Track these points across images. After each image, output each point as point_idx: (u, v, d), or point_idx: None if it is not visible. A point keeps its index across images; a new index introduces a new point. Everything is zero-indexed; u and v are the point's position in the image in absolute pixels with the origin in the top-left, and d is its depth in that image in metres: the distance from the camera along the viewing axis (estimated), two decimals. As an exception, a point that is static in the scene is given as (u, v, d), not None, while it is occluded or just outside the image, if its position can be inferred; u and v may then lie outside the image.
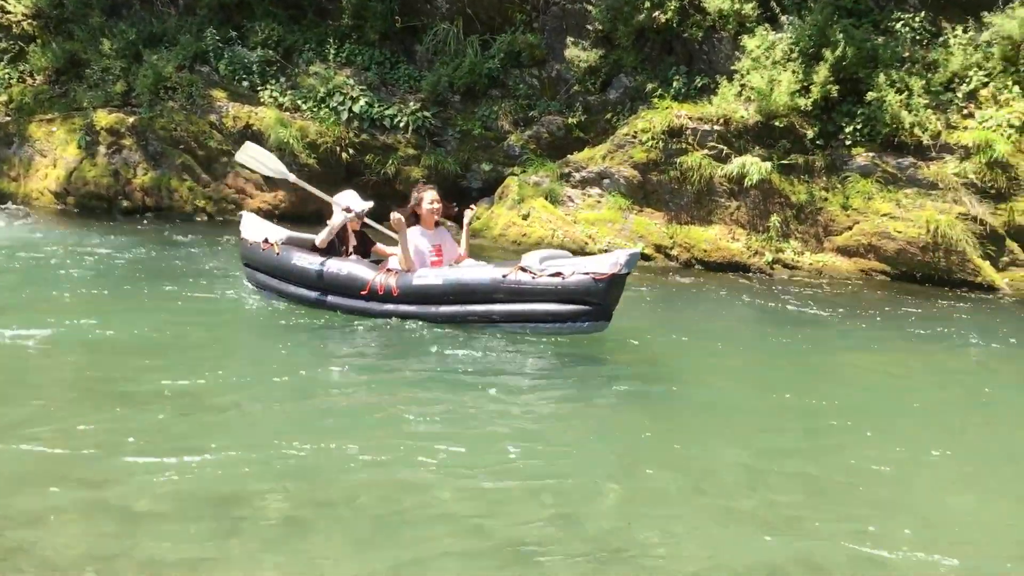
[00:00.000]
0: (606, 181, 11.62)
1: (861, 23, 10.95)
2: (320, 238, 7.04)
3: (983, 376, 6.62)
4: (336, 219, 6.99)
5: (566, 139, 12.42)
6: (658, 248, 11.20)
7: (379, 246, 7.34)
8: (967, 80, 10.56)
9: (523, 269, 6.09)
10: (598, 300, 5.97)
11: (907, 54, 10.75)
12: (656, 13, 11.40)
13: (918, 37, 10.89)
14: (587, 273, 5.91)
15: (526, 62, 12.82)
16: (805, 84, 10.63)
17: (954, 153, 10.35)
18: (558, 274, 5.99)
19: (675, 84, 11.55)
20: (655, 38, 11.82)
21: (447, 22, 13.13)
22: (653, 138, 11.24)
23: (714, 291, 9.58)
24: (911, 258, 10.23)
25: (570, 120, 12.39)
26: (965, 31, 10.73)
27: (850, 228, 10.59)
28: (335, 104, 12.94)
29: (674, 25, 11.45)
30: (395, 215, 6.50)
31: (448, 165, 12.84)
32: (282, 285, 7.00)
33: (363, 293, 6.47)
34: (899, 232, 10.25)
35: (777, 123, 10.74)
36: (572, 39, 12.30)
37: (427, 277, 6.35)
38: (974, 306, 9.16)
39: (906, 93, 10.44)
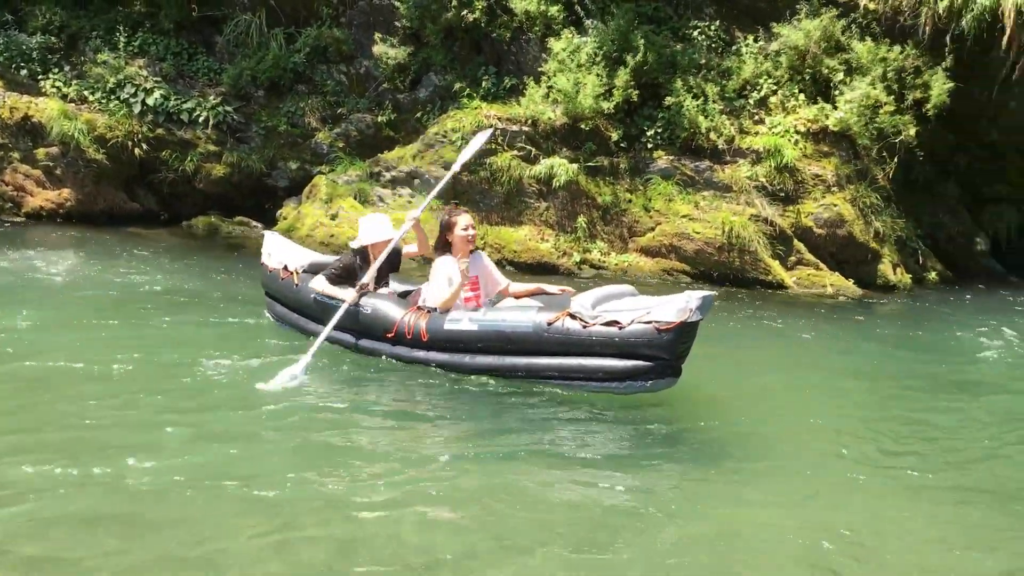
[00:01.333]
0: (417, 181, 11.86)
1: (661, 30, 11.74)
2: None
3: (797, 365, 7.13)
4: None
5: (376, 137, 12.59)
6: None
7: (405, 249, 6.50)
8: (758, 87, 11.53)
9: (572, 315, 5.14)
10: (663, 354, 4.95)
11: (703, 61, 11.62)
12: (464, 12, 11.78)
13: (713, 45, 11.81)
14: (649, 322, 4.91)
15: (333, 57, 12.91)
16: (609, 87, 11.27)
17: (746, 157, 11.26)
18: (614, 323, 5.01)
19: (484, 84, 11.96)
20: (464, 37, 12.21)
21: (248, 13, 13.03)
22: (463, 138, 11.57)
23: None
24: (709, 258, 11.02)
25: (380, 118, 12.58)
26: (756, 40, 11.72)
27: (652, 229, 11.29)
28: (126, 96, 12.54)
29: (482, 25, 11.87)
30: (413, 212, 6.08)
31: (252, 163, 12.73)
32: (301, 321, 6.33)
33: (389, 336, 5.73)
34: (697, 233, 11.03)
35: (583, 125, 11.32)
36: (380, 35, 12.51)
37: (460, 321, 5.48)
38: (765, 303, 9.97)
39: (702, 99, 11.28)
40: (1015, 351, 7.74)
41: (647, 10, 11.81)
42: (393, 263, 6.26)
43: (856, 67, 11.26)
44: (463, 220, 5.77)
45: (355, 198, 11.89)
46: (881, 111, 11.02)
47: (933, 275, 11.74)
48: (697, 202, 11.21)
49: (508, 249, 11.40)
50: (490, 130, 6.66)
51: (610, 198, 11.39)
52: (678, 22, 11.93)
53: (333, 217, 11.79)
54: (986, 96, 11.99)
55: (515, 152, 11.50)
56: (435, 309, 5.67)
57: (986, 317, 9.53)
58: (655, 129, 11.38)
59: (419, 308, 5.76)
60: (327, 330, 5.70)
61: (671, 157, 11.36)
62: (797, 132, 11.24)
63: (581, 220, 11.34)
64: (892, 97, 11.07)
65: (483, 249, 11.29)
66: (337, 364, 5.80)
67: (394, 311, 5.76)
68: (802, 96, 11.41)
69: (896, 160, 11.31)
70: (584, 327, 5.10)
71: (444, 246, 5.78)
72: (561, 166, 11.18)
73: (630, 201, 11.42)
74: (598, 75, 11.24)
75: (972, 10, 10.96)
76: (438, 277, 5.67)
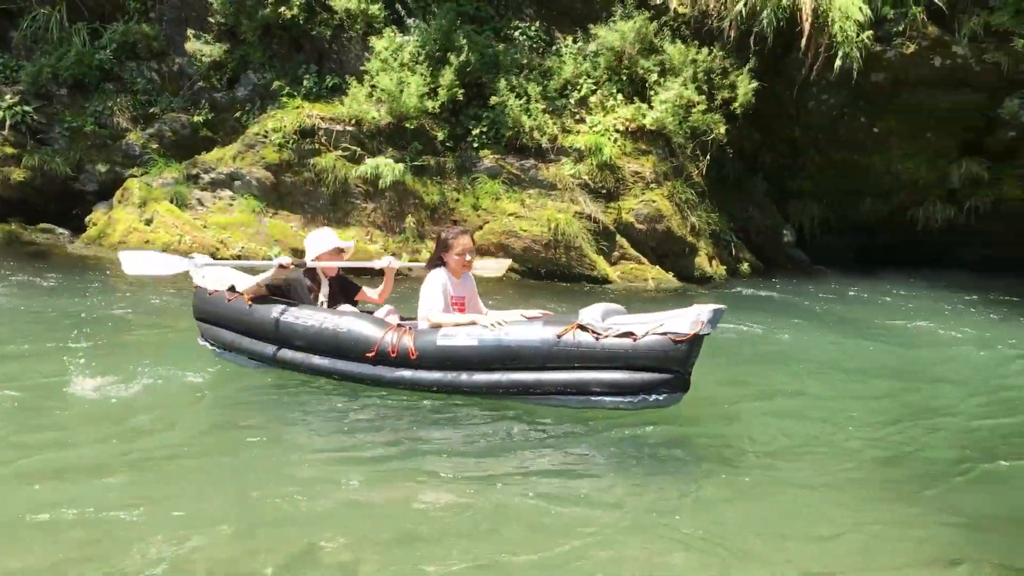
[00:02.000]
0: (237, 183, 11.62)
1: (483, 30, 12.01)
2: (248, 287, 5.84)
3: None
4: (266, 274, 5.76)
5: (192, 138, 12.24)
6: (296, 252, 11.39)
7: (366, 291, 6.21)
8: (578, 87, 11.99)
9: (583, 327, 4.95)
10: (678, 367, 4.84)
11: (525, 61, 11.98)
12: (281, 8, 11.64)
13: (535, 45, 12.19)
14: (665, 333, 4.78)
15: (143, 54, 12.45)
16: (433, 87, 11.44)
17: (569, 156, 11.69)
18: (628, 334, 4.84)
19: (306, 83, 11.86)
20: (283, 34, 12.05)
21: (47, 7, 12.37)
22: (285, 138, 11.44)
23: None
24: (536, 255, 11.37)
25: (196, 118, 12.23)
26: (575, 41, 12.19)
27: (481, 228, 11.53)
28: (-93, 95, 11.68)
29: (301, 22, 11.77)
30: (388, 259, 5.88)
31: (57, 166, 12.09)
32: (257, 345, 5.82)
33: (369, 356, 5.33)
34: (525, 230, 11.36)
35: (408, 125, 11.43)
36: (193, 31, 12.17)
37: (455, 336, 5.17)
38: (590, 297, 10.38)
39: (525, 98, 11.63)
40: (817, 332, 8.43)
41: (469, 9, 12.05)
42: (349, 295, 6.01)
43: (669, 68, 11.90)
44: (463, 242, 5.48)
45: (172, 201, 11.53)
46: (693, 110, 11.70)
47: (745, 266, 12.57)
48: (523, 200, 11.54)
49: (336, 251, 11.33)
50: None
51: (438, 197, 11.56)
52: (500, 22, 12.24)
53: (148, 222, 11.39)
54: (788, 96, 12.97)
55: (340, 152, 11.48)
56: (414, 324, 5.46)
57: (793, 301, 10.39)
58: (480, 128, 11.63)
59: (400, 325, 5.46)
60: (261, 278, 5.72)
61: (497, 156, 11.65)
62: (616, 131, 11.76)
63: (409, 220, 11.45)
64: (703, 97, 11.77)
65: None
66: (305, 390, 5.48)
67: (374, 328, 5.39)
68: (620, 96, 11.94)
69: (708, 157, 12.04)
70: (597, 339, 4.90)
71: (437, 263, 5.53)
72: (387, 166, 11.25)
73: (458, 200, 11.63)
74: (422, 75, 11.39)
75: (768, 10, 11.78)
76: (432, 290, 5.37)
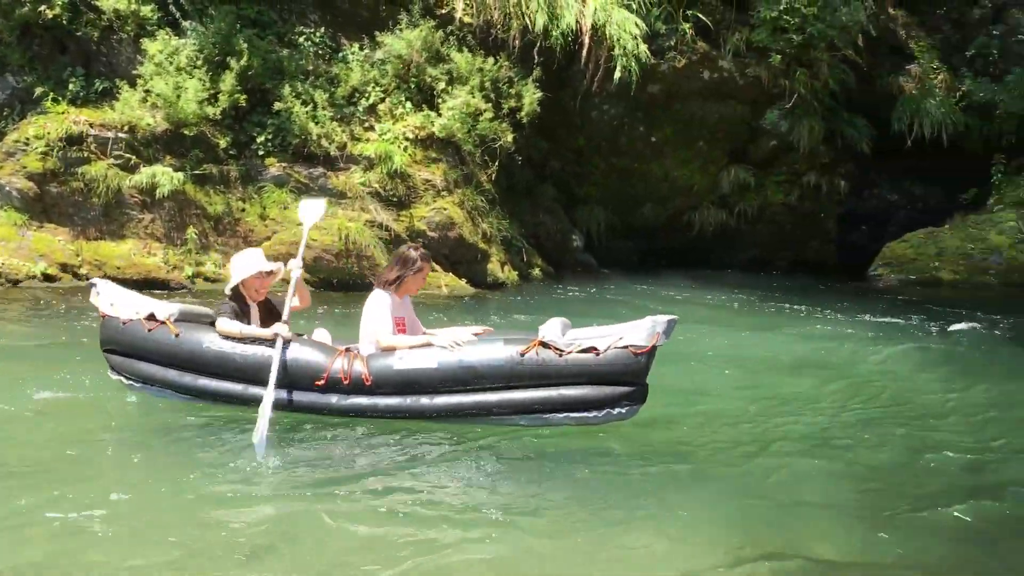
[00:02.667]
0: (-6, 194, 10.77)
1: (265, 34, 11.75)
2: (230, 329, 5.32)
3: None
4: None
5: (-60, 146, 11.22)
6: (64, 267, 10.68)
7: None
8: (367, 95, 11.99)
9: (545, 344, 4.91)
10: (639, 379, 4.93)
11: (311, 67, 11.84)
12: (42, 8, 10.90)
13: (320, 52, 12.07)
14: (626, 346, 4.83)
15: None
16: (213, 92, 11.07)
17: (359, 164, 11.66)
18: (591, 349, 4.86)
19: (72, 87, 11.13)
20: (44, 35, 11.27)
21: None
22: (49, 146, 10.71)
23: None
24: (327, 265, 11.24)
25: (-56, 124, 11.23)
26: (361, 48, 12.19)
27: (269, 238, 11.27)
28: None
29: (65, 22, 11.07)
30: (295, 262, 5.62)
31: None
32: (185, 377, 5.39)
33: (319, 384, 5.09)
34: (314, 240, 11.18)
35: (187, 132, 11.01)
36: (-63, 29, 11.18)
37: (413, 359, 5.03)
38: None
39: (312, 105, 11.49)
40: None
41: (250, 13, 11.76)
42: (277, 316, 5.55)
43: (457, 77, 12.13)
44: (426, 269, 5.49)
45: (-82, 216, 10.51)
46: (481, 119, 11.98)
47: (537, 271, 13.00)
48: (313, 209, 11.38)
49: (110, 266, 10.76)
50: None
51: (222, 207, 11.20)
52: (283, 27, 12.03)
53: None
54: (573, 105, 13.58)
55: (112, 160, 10.88)
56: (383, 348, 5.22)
57: (582, 303, 10.90)
58: (265, 136, 11.38)
59: (348, 349, 5.24)
60: (273, 379, 5.01)
61: (284, 164, 11.44)
62: (406, 139, 11.85)
63: (191, 231, 11.04)
64: (490, 105, 12.08)
65: (79, 267, 10.68)
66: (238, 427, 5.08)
67: (321, 354, 5.17)
68: (409, 104, 12.05)
69: (497, 165, 12.37)
70: (560, 355, 4.89)
71: (394, 283, 5.35)
72: (165, 175, 10.80)
73: (244, 210, 11.32)
74: (200, 79, 11.01)
75: (559, 27, 12.30)
76: (380, 312, 5.22)
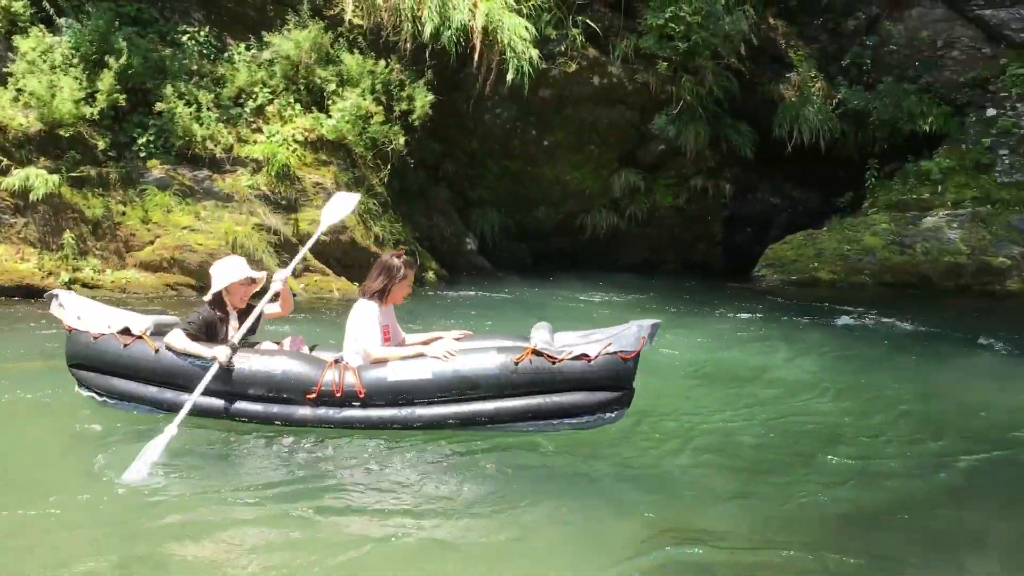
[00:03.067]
0: None
1: (146, 32, 11.42)
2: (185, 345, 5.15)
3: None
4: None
5: None
6: (-72, 275, 10.17)
7: (267, 309, 5.61)
8: (254, 96, 11.78)
9: (538, 353, 4.96)
10: (628, 384, 5.07)
11: (195, 67, 11.57)
12: (-97, 0, 10.35)
13: (205, 51, 11.80)
14: (614, 352, 4.95)
15: None
16: (91, 92, 10.69)
17: (247, 166, 11.44)
18: (583, 355, 4.95)
19: (-65, 84, 10.60)
20: (-95, 29, 10.71)
21: None
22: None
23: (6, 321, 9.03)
24: (214, 270, 10.99)
25: None
26: (248, 48, 11.97)
27: (152, 243, 10.95)
28: None
29: (-76, 16, 10.53)
30: (282, 273, 5.44)
31: None
32: (166, 393, 5.19)
33: (310, 397, 4.98)
34: (200, 244, 10.94)
35: (63, 132, 10.58)
36: None
37: (407, 370, 5.00)
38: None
39: (196, 106, 11.22)
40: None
41: (130, 11, 11.41)
42: (258, 324, 5.51)
43: (347, 79, 12.05)
44: (411, 274, 5.39)
45: None
46: (372, 121, 11.94)
47: (431, 274, 13.00)
48: (198, 212, 11.13)
49: (-21, 272, 10.27)
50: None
51: (101, 211, 10.82)
52: (165, 26, 11.71)
53: None
54: (466, 109, 13.64)
55: (-20, 162, 10.38)
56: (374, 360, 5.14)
57: (475, 306, 10.96)
58: (147, 137, 11.06)
59: (336, 361, 5.16)
60: (192, 398, 4.91)
61: (167, 166, 11.13)
62: (295, 141, 11.70)
63: (68, 236, 10.61)
64: (381, 108, 12.05)
65: (-56, 274, 10.14)
66: (232, 440, 5.00)
67: (311, 367, 5.05)
68: (298, 105, 11.90)
69: (390, 168, 12.34)
70: (553, 363, 4.95)
71: (380, 292, 5.28)
72: (39, 177, 10.34)
73: (124, 213, 10.96)
74: (76, 78, 10.61)
75: (449, 28, 12.34)
76: (369, 322, 5.17)
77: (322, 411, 5.04)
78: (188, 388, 5.06)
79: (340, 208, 6.15)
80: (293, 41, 11.77)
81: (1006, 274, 13.69)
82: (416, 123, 12.34)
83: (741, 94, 15.01)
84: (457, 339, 5.33)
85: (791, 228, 15.87)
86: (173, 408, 5.07)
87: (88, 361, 5.40)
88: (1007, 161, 14.90)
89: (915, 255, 14.03)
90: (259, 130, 11.74)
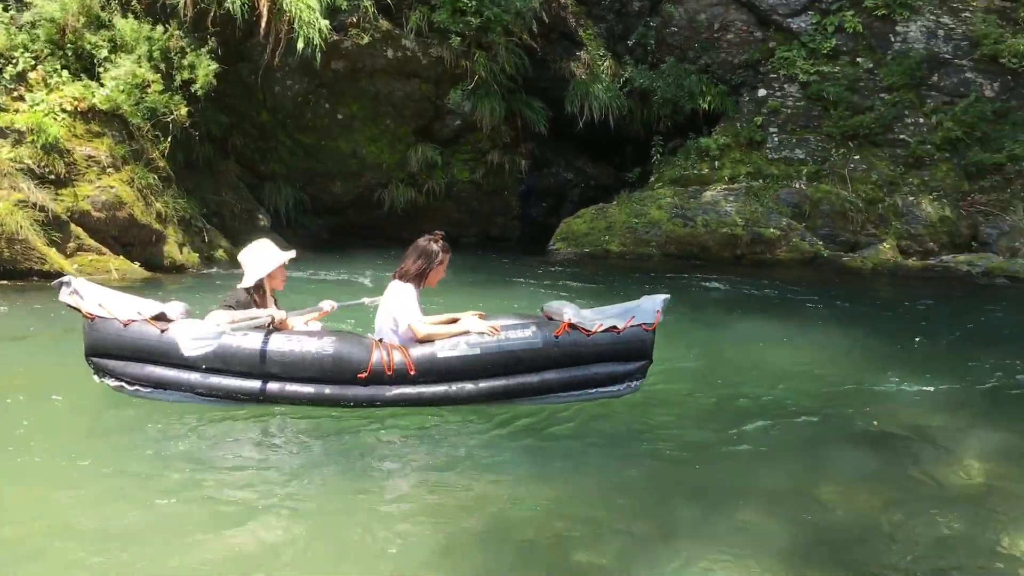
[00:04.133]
0: None
1: None
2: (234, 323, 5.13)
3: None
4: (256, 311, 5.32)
5: None
6: None
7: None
8: (14, 61, 10.83)
9: (573, 326, 5.30)
10: (649, 354, 5.53)
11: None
12: None
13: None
14: (638, 324, 5.40)
15: None
16: None
17: (7, 137, 10.51)
18: (613, 328, 5.36)
19: None
20: None
21: None
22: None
23: None
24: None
25: None
26: (7, 9, 10.98)
27: None
28: None
29: None
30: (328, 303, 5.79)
31: None
32: (212, 379, 5.13)
33: (361, 376, 5.10)
34: (-46, 223, 10.00)
35: None
36: None
37: (456, 347, 5.19)
38: (36, 296, 9.49)
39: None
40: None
41: None
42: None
43: (121, 45, 11.32)
44: (447, 258, 5.59)
45: None
46: (150, 90, 11.28)
47: (220, 252, 12.51)
48: (-50, 188, 10.14)
49: None
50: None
51: None
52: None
53: None
54: (254, 80, 13.17)
55: None
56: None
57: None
58: None
59: (380, 341, 5.32)
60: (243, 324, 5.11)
61: (-89, 137, 10.07)
62: (63, 110, 10.87)
63: None
64: (159, 76, 11.40)
65: None
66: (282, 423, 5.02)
67: (362, 347, 5.17)
68: (66, 72, 11.06)
69: (171, 140, 11.71)
70: (588, 336, 5.32)
71: (418, 276, 5.45)
72: None
73: None
74: None
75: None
76: (412, 302, 5.33)
77: (373, 390, 5.16)
78: (234, 373, 5.12)
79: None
80: (59, 3, 10.91)
81: (776, 244, 14.80)
82: (200, 93, 11.78)
83: (534, 71, 15.34)
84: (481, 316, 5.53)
85: (584, 202, 16.45)
86: (217, 393, 5.15)
87: (118, 350, 5.23)
88: (776, 139, 16.08)
89: (696, 227, 14.89)
90: (21, 98, 10.81)
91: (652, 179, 16.35)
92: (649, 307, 5.50)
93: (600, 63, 15.97)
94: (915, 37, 15.74)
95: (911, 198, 15.53)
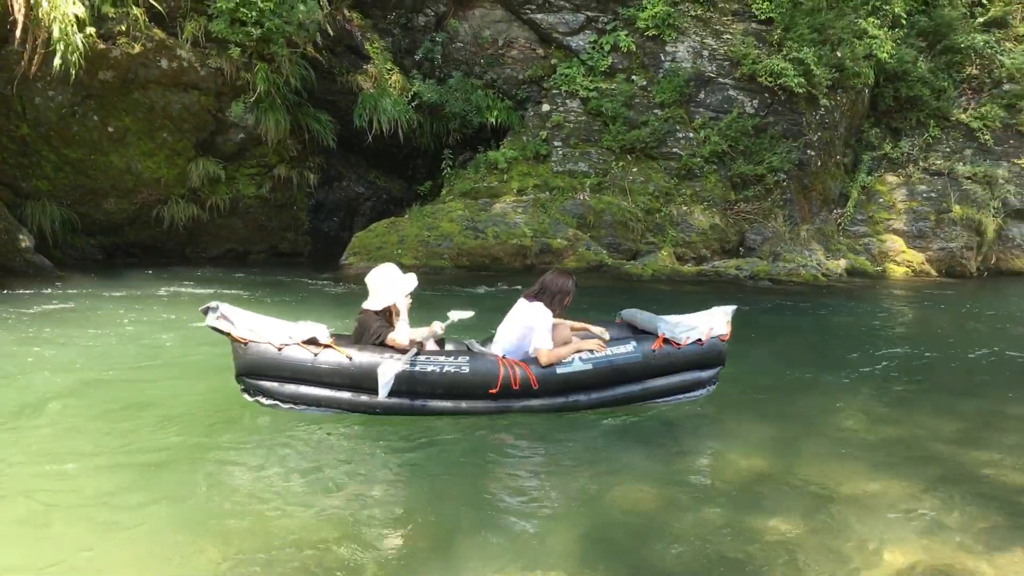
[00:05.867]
0: None
1: None
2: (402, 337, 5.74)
3: None
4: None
5: None
6: None
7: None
8: None
9: (667, 340, 6.07)
10: (723, 361, 6.31)
11: None
12: None
13: None
14: (716, 336, 6.17)
15: None
16: None
17: None
18: (698, 340, 6.11)
19: None
20: None
21: None
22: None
23: None
24: None
25: None
26: None
27: None
28: None
29: None
30: (436, 325, 5.92)
31: None
32: (363, 396, 5.62)
33: (493, 392, 5.68)
34: None
35: None
36: None
37: (572, 364, 5.86)
38: None
39: None
40: (24, 344, 8.08)
41: None
42: (373, 336, 5.84)
43: None
44: (574, 291, 6.08)
45: None
46: None
47: (-24, 276, 11.51)
48: None
49: None
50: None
51: None
52: None
53: None
54: (10, 91, 12.22)
55: None
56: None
57: (35, 311, 9.81)
58: None
59: (504, 359, 5.84)
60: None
61: None
62: None
63: None
64: None
65: None
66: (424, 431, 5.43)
67: (491, 366, 5.74)
68: None
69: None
70: (679, 348, 6.06)
71: (546, 300, 5.97)
72: None
73: None
74: None
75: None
76: (548, 327, 5.86)
77: (503, 403, 5.78)
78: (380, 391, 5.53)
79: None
80: None
81: (563, 253, 15.36)
82: (-56, 105, 10.79)
83: (320, 83, 15.16)
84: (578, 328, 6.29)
85: (377, 216, 16.41)
86: (363, 408, 5.66)
87: (273, 371, 5.63)
88: (560, 152, 16.71)
89: (487, 239, 15.20)
90: None
91: (443, 192, 16.55)
92: (721, 319, 6.27)
93: (388, 77, 16.00)
94: (683, 56, 16.83)
95: (684, 208, 16.58)
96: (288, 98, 14.44)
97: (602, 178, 16.50)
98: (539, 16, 16.76)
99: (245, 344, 5.58)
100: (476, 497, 4.54)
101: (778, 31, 16.71)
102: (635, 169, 16.67)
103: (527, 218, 15.62)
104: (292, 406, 5.70)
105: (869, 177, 18.52)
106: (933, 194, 18.32)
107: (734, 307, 6.39)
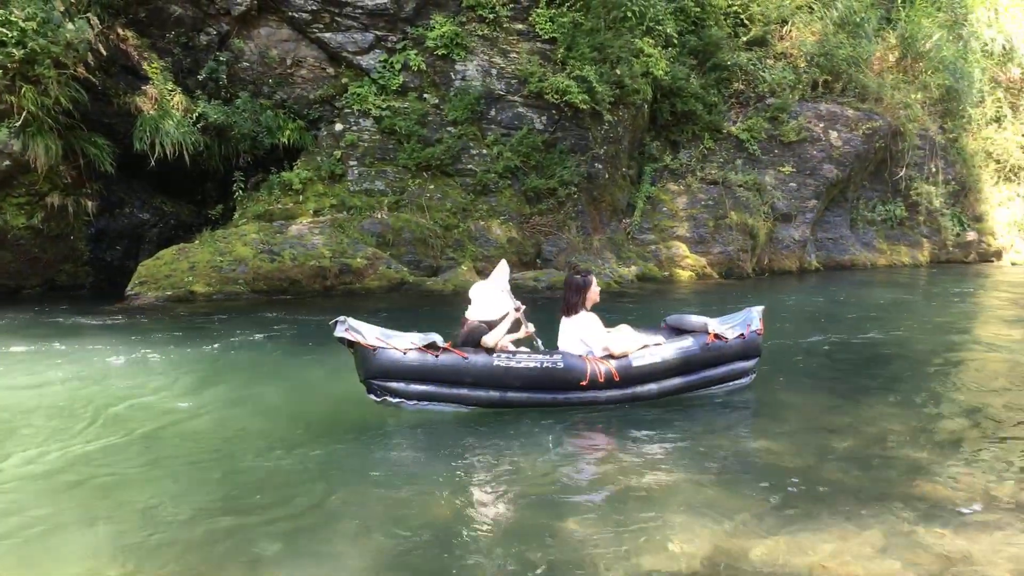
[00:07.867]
0: None
1: None
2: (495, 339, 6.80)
3: None
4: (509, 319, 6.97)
5: None
6: None
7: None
8: None
9: (717, 336, 7.14)
10: (759, 352, 7.55)
11: None
12: None
13: None
14: (755, 331, 7.39)
15: None
16: None
17: None
18: (740, 335, 7.26)
19: None
20: None
21: None
22: None
23: None
24: None
25: None
26: None
27: None
28: None
29: None
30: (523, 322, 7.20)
31: None
32: (478, 391, 6.67)
33: (583, 384, 6.65)
34: None
35: None
36: None
37: (645, 357, 6.85)
38: None
39: None
40: None
41: None
42: (476, 340, 6.79)
43: None
44: (596, 281, 7.14)
45: None
46: None
47: None
48: None
49: None
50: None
51: None
52: None
53: None
54: None
55: None
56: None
57: None
58: None
59: (587, 356, 6.80)
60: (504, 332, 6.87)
61: None
62: None
63: None
64: None
65: None
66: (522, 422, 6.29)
67: (580, 362, 6.70)
68: None
69: None
70: (726, 342, 7.17)
71: (579, 305, 6.99)
72: None
73: None
74: None
75: None
76: (601, 326, 6.97)
77: (589, 394, 6.75)
78: (495, 386, 6.63)
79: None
80: None
81: (364, 272, 15.32)
82: None
83: (95, 106, 14.40)
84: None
85: (165, 242, 15.74)
86: (478, 403, 6.68)
87: (399, 373, 6.56)
88: (356, 171, 16.67)
89: (284, 261, 14.92)
90: None
91: (236, 216, 16.10)
92: (756, 316, 7.50)
93: (170, 98, 15.38)
94: (473, 75, 17.23)
95: (482, 222, 16.96)
96: (59, 121, 13.61)
97: (399, 196, 16.60)
98: (327, 35, 16.67)
99: (372, 350, 6.54)
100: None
101: (561, 50, 17.45)
102: (432, 186, 16.89)
103: (325, 239, 15.47)
104: (416, 403, 6.65)
105: (653, 187, 19.64)
106: (711, 202, 19.67)
107: (763, 307, 7.68)
